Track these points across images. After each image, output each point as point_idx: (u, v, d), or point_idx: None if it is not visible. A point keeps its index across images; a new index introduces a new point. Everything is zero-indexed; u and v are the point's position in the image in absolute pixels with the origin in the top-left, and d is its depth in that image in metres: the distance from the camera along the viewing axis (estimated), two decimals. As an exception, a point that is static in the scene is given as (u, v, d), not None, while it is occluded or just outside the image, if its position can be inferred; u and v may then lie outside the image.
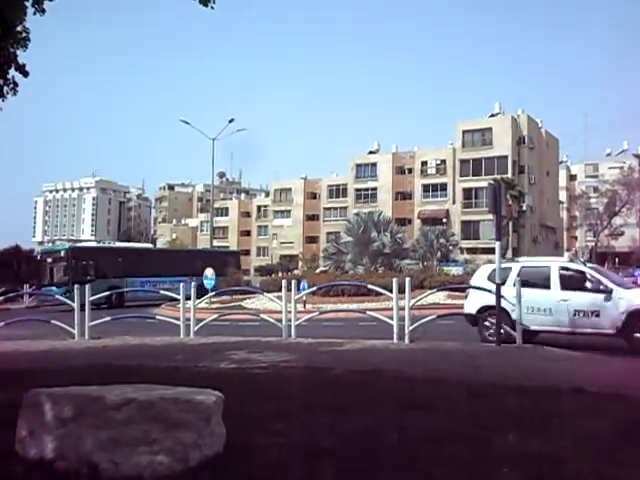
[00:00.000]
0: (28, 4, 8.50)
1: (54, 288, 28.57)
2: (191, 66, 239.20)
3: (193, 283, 15.80)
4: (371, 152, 78.03)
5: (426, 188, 70.32)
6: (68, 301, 15.95)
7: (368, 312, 15.12)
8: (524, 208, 63.02)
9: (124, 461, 3.92)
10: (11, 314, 20.50)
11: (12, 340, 14.86)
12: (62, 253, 33.25)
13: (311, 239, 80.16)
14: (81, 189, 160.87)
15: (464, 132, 66.77)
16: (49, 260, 33.47)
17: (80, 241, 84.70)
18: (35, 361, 10.65)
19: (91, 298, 15.32)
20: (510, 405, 5.84)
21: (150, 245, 51.38)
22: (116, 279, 30.48)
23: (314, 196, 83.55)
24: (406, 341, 12.31)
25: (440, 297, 23.23)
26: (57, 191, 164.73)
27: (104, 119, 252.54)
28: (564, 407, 5.77)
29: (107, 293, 21.24)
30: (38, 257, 35.44)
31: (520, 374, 7.96)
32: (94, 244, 43.27)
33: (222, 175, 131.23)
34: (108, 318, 16.21)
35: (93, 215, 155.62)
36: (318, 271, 40.88)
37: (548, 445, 4.45)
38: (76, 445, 4.06)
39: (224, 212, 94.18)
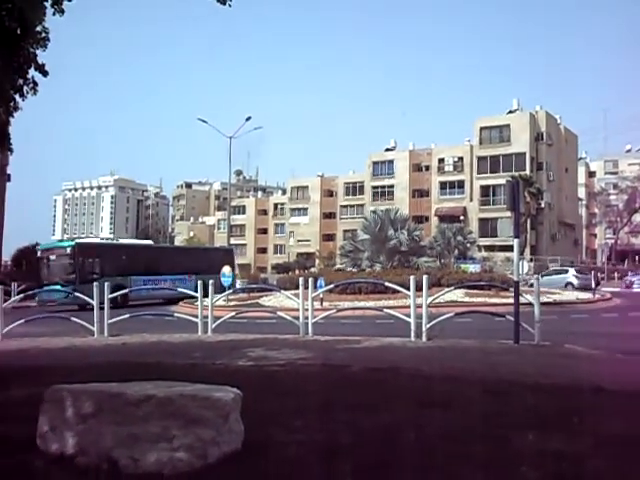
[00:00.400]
0: (47, 4, 8.60)
1: (58, 287, 27.22)
2: (207, 65, 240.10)
3: (211, 281, 15.84)
4: (388, 149, 77.79)
5: (443, 185, 69.99)
6: (88, 299, 16.03)
7: (385, 310, 15.09)
8: (542, 205, 62.51)
9: (144, 457, 3.96)
10: (31, 312, 20.72)
11: (32, 337, 15.04)
12: (67, 249, 31.12)
13: (328, 237, 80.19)
14: (100, 188, 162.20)
15: (482, 129, 66.37)
16: (52, 257, 31.28)
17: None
18: (55, 358, 10.78)
19: (110, 296, 15.48)
20: (528, 403, 5.81)
21: (150, 242, 49.46)
22: (120, 277, 28.22)
23: (331, 194, 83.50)
24: (423, 339, 12.28)
25: (458, 295, 23.11)
26: (76, 190, 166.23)
27: (122, 118, 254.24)
28: (583, 406, 5.72)
29: (126, 291, 21.35)
30: (38, 254, 32.56)
31: (538, 372, 7.90)
32: (98, 240, 41.99)
33: (239, 173, 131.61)
34: (127, 315, 16.36)
35: (112, 213, 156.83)
36: (335, 269, 40.89)
37: (567, 444, 4.41)
38: (96, 441, 4.11)
39: (241, 210, 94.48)
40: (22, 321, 15.66)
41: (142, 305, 26.36)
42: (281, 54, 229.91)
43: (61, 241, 42.20)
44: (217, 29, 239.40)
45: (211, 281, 15.70)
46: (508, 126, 64.85)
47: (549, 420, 5.13)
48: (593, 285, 31.75)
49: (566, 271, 40.71)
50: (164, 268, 33.43)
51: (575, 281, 37.94)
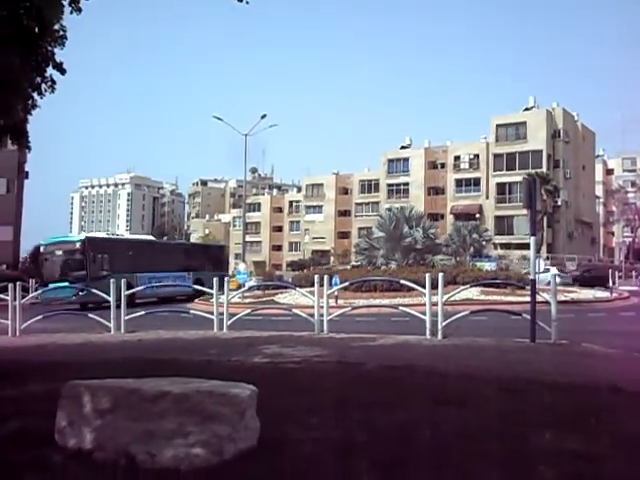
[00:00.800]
0: (65, 2, 8.65)
1: (65, 284, 25.89)
2: (224, 63, 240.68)
3: (227, 278, 15.89)
4: (403, 147, 77.55)
5: (459, 183, 69.67)
6: (105, 295, 16.13)
7: (400, 307, 15.07)
8: (559, 203, 62.05)
9: (160, 453, 3.98)
10: (48, 308, 20.91)
11: (49, 333, 15.17)
12: (77, 244, 28.84)
13: (343, 234, 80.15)
14: (116, 185, 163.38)
15: (498, 126, 65.95)
16: (58, 253, 28.94)
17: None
18: (72, 354, 10.87)
19: (127, 292, 15.58)
20: (545, 402, 5.76)
21: (152, 237, 46.98)
22: (128, 274, 25.32)
23: (346, 191, 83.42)
24: (439, 337, 12.24)
25: (473, 293, 23.02)
26: (93, 187, 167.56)
27: (138, 116, 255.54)
28: (601, 405, 5.67)
29: (140, 288, 21.29)
30: (41, 249, 30.15)
31: (555, 371, 7.84)
32: (106, 235, 39.40)
33: (254, 171, 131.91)
34: (142, 312, 16.48)
35: (128, 211, 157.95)
36: (350, 266, 40.87)
37: (584, 444, 4.37)
38: (113, 436, 4.14)
39: (256, 207, 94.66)
40: (40, 317, 15.81)
41: (147, 304, 26.07)
42: (296, 51, 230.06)
43: (67, 236, 39.30)
44: (232, 27, 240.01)
45: (226, 278, 15.74)
46: (524, 123, 64.39)
47: (566, 419, 5.09)
48: (610, 284, 31.63)
49: (548, 270, 40.62)
50: (165, 265, 32.04)
51: (558, 279, 37.83)
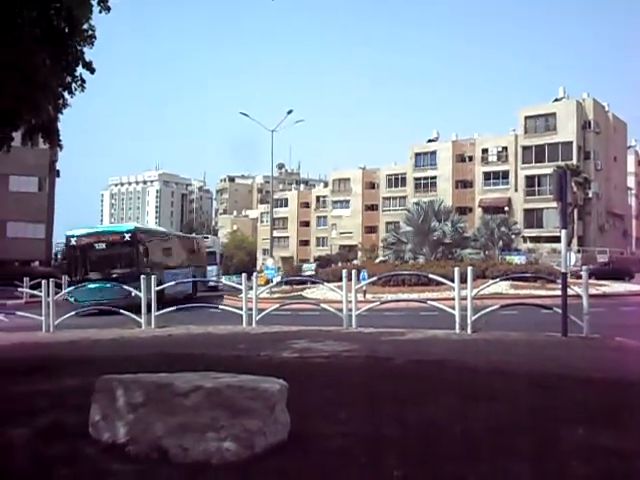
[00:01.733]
0: (94, 2, 8.75)
1: (109, 284, 21.16)
2: (250, 59, 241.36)
3: (255, 274, 15.95)
4: (430, 140, 77.03)
5: (487, 176, 68.99)
6: (133, 292, 16.27)
7: (429, 302, 14.99)
8: (590, 195, 61.09)
9: (192, 447, 4.02)
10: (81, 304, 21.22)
11: (82, 329, 15.41)
12: (126, 235, 24.81)
13: (370, 229, 79.96)
14: (145, 182, 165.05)
15: (526, 118, 65.10)
16: (99, 246, 24.60)
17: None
18: (105, 349, 11.04)
19: (159, 288, 15.69)
20: (577, 397, 5.68)
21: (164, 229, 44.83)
22: (158, 271, 23.02)
23: (373, 186, 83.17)
24: (468, 331, 12.16)
25: (503, 287, 22.76)
26: (122, 184, 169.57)
27: (165, 114, 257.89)
28: (635, 401, 5.58)
29: (172, 284, 19.85)
30: (74, 241, 24.86)
31: (588, 366, 7.73)
32: (150, 227, 36.51)
33: (281, 166, 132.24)
34: (173, 308, 16.65)
35: (157, 207, 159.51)
36: (377, 261, 40.77)
37: (618, 440, 4.30)
38: (146, 430, 4.19)
39: (283, 203, 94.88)
40: (73, 313, 16.06)
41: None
42: (321, 45, 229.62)
43: (111, 225, 37.63)
44: (257, 21, 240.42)
45: (255, 273, 15.78)
46: (554, 114, 63.46)
47: (599, 415, 5.02)
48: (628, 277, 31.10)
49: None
50: (181, 260, 30.54)
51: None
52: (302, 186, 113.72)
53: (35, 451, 4.29)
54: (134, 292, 16.35)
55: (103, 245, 24.65)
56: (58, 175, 50.11)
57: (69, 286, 20.39)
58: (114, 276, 22.77)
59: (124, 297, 18.58)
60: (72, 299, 21.26)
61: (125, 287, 17.72)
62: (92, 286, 21.19)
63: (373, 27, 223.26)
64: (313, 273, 34.50)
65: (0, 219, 43.41)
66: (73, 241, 24.84)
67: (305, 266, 33.03)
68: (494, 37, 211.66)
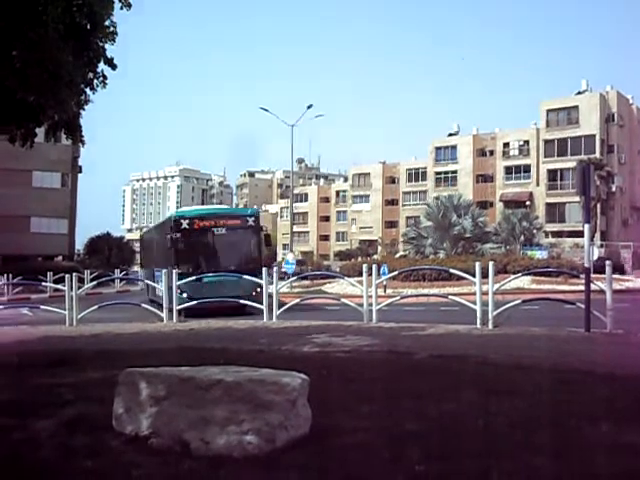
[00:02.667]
0: (115, -1, 8.83)
1: (234, 277, 17.75)
2: (269, 54, 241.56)
3: (275, 268, 15.93)
4: (451, 134, 76.49)
5: (508, 170, 68.36)
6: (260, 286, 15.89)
7: (450, 297, 14.91)
8: (613, 189, 60.28)
9: (214, 440, 4.05)
10: (103, 298, 21.47)
11: (105, 323, 15.57)
12: (250, 220, 20.75)
13: (390, 224, 79.70)
14: (166, 177, 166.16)
15: (548, 111, 64.33)
16: (219, 230, 20.10)
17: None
18: (127, 342, 11.14)
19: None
20: (601, 394, 5.61)
21: None
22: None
23: (393, 180, 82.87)
24: (489, 326, 12.09)
25: (524, 282, 22.65)
26: (143, 180, 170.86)
27: (186, 110, 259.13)
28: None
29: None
30: (186, 224, 19.82)
31: (611, 361, 7.64)
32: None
33: (301, 161, 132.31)
34: (194, 302, 16.77)
35: (178, 202, 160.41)
36: (397, 256, 40.70)
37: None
38: (169, 423, 4.22)
39: (303, 198, 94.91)
40: (96, 307, 16.23)
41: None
42: (341, 40, 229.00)
43: (237, 208, 34.01)
44: (278, 15, 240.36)
45: (275, 268, 15.79)
46: (576, 108, 62.63)
47: (623, 411, 4.95)
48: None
49: None
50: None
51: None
52: (322, 181, 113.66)
53: (60, 443, 4.35)
54: (259, 287, 15.73)
55: (223, 230, 20.15)
56: (80, 171, 50.66)
57: (180, 278, 16.53)
58: (233, 268, 18.99)
59: (251, 293, 17.15)
60: (183, 295, 17.39)
61: (255, 280, 16.17)
62: (211, 279, 17.76)
63: (392, 19, 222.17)
64: (291, 267, 31.23)
65: (24, 215, 43.98)
66: (185, 223, 19.77)
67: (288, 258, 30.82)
68: (516, 29, 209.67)
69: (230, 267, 18.85)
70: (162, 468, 3.84)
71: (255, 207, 29.91)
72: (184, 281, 16.78)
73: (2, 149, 34.72)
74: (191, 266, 18.95)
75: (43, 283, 26.95)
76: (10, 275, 30.52)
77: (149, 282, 22.87)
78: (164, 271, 17.49)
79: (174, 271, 16.66)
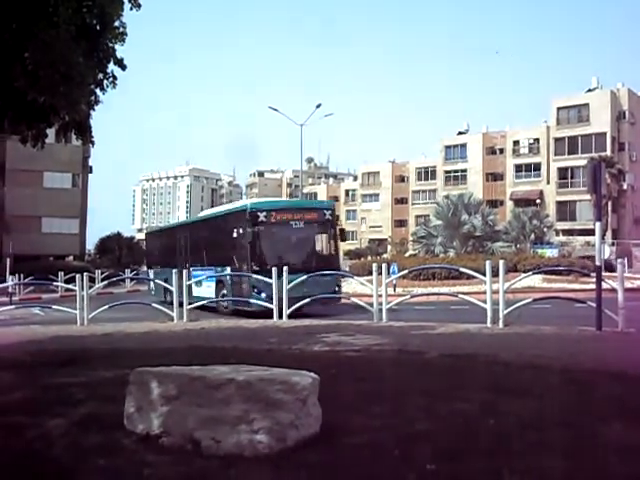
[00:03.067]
0: (125, -1, 8.85)
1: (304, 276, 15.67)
2: (278, 53, 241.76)
3: (285, 268, 15.82)
4: (460, 133, 76.26)
5: (518, 168, 68.05)
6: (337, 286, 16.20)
7: (460, 295, 14.87)
8: (624, 187, 59.88)
9: (225, 439, 4.06)
10: (114, 298, 21.55)
11: (115, 322, 15.64)
12: (327, 213, 19.12)
13: (400, 222, 79.55)
14: (175, 177, 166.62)
15: (559, 109, 63.95)
16: (297, 224, 18.32)
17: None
18: (138, 342, 11.18)
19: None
20: (613, 393, 5.58)
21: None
22: None
23: (402, 179, 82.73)
24: (500, 325, 12.04)
25: (535, 280, 22.55)
26: (153, 180, 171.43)
27: (195, 110, 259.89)
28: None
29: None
30: (263, 216, 17.78)
31: (623, 360, 7.58)
32: None
33: (310, 160, 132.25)
34: (204, 302, 16.84)
35: (187, 202, 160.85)
36: (407, 255, 40.63)
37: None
38: (180, 422, 4.24)
39: (313, 197, 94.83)
40: (107, 307, 16.30)
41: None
42: (351, 38, 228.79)
43: (313, 202, 30.51)
44: (285, 17, 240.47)
45: (285, 267, 15.70)
46: (587, 105, 62.24)
47: (636, 411, 4.92)
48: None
49: None
50: None
51: None
52: (331, 180, 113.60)
53: (72, 441, 4.38)
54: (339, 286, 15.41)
55: (300, 224, 18.40)
56: (91, 171, 50.92)
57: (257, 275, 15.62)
58: (312, 265, 17.51)
59: (333, 291, 16.49)
60: (262, 295, 16.33)
61: (334, 278, 15.52)
62: (292, 277, 15.43)
63: (401, 17, 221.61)
64: None
65: (35, 215, 44.27)
66: (262, 216, 17.70)
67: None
68: (526, 27, 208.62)
69: (308, 264, 17.38)
70: (173, 467, 3.86)
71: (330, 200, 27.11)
72: (260, 279, 15.86)
73: (14, 150, 35.29)
74: (268, 263, 16.87)
75: (54, 283, 27.11)
76: (22, 275, 30.69)
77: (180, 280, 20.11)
78: (227, 269, 17.70)
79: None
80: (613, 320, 11.19)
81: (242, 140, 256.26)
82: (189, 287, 16.83)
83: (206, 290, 19.43)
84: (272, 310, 15.13)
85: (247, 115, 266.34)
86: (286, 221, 18.19)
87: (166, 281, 18.39)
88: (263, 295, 16.19)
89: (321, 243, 19.29)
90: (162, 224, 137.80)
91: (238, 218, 18.51)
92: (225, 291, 18.91)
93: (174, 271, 16.92)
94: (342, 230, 20.18)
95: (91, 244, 53.98)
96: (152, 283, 24.52)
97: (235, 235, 18.28)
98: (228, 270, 18.13)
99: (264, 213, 17.76)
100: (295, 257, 17.94)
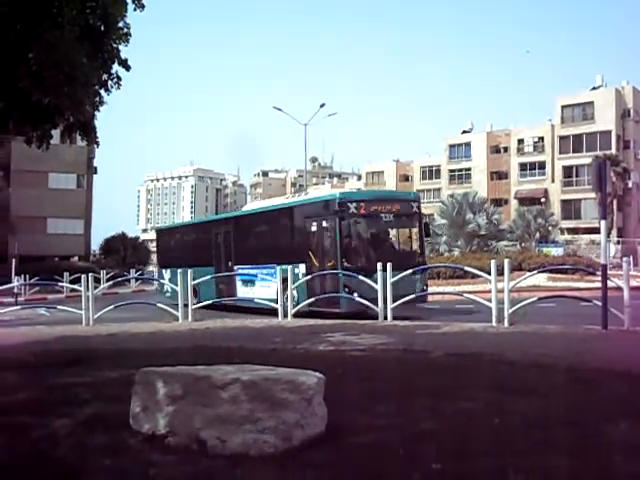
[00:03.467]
0: (129, 0, 8.86)
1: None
2: (282, 53, 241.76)
3: (290, 267, 15.78)
4: (465, 132, 76.15)
5: (523, 167, 67.91)
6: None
7: (465, 294, 14.84)
8: (630, 185, 59.68)
9: (230, 439, 4.07)
10: (119, 298, 21.58)
11: (121, 322, 15.66)
12: (414, 205, 17.51)
13: (404, 222, 79.33)
14: (180, 178, 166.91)
15: (563, 107, 63.81)
16: (386, 217, 16.76)
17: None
18: (143, 342, 11.19)
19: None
20: (619, 392, 5.55)
21: None
22: None
23: (407, 178, 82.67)
24: (505, 324, 12.01)
25: (540, 279, 22.46)
26: (158, 180, 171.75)
27: (198, 110, 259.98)
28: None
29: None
30: (353, 207, 16.09)
31: (629, 359, 7.56)
32: None
33: (314, 160, 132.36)
34: (210, 301, 16.87)
35: (192, 202, 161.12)
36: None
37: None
38: (185, 422, 4.25)
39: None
40: (112, 307, 16.33)
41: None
42: (355, 38, 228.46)
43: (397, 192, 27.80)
44: (289, 17, 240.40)
45: (290, 267, 15.70)
46: (592, 103, 62.06)
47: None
48: None
49: None
50: None
51: None
52: (335, 179, 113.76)
53: (78, 441, 4.39)
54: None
55: (390, 217, 16.80)
56: (95, 172, 51.01)
57: (356, 272, 14.34)
58: (402, 261, 15.82)
59: (422, 290, 15.52)
60: (354, 295, 14.85)
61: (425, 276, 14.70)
62: (385, 275, 13.99)
63: (404, 16, 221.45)
64: None
65: (40, 216, 44.38)
66: (353, 207, 16.03)
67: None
68: (531, 25, 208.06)
69: (399, 260, 15.40)
70: (179, 467, 3.86)
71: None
72: (353, 277, 14.53)
73: (19, 151, 35.36)
74: (359, 260, 15.83)
75: (60, 283, 27.16)
76: (27, 275, 30.78)
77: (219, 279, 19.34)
78: (301, 266, 16.23)
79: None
80: (619, 319, 11.14)
81: (246, 140, 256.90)
82: (232, 287, 16.38)
83: (261, 291, 17.81)
84: (371, 311, 14.14)
85: (251, 115, 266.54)
86: (376, 213, 16.49)
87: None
88: (355, 295, 14.78)
89: (410, 238, 17.78)
90: (167, 224, 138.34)
91: (321, 209, 16.79)
92: (296, 292, 16.18)
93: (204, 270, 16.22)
94: (427, 225, 18.78)
95: (96, 244, 54.07)
96: (165, 283, 22.31)
97: (314, 228, 16.74)
98: (302, 268, 16.48)
99: (354, 204, 16.09)
100: (386, 253, 16.07)
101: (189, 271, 16.67)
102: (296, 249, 17.23)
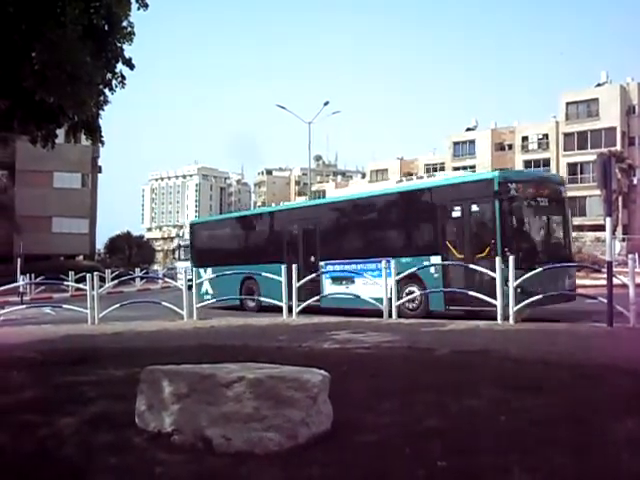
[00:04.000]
0: (132, -1, 8.87)
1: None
2: (284, 51, 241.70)
3: (295, 265, 15.82)
4: (469, 129, 76.02)
5: (527, 164, 67.71)
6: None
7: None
8: (635, 182, 59.51)
9: (236, 437, 4.07)
10: (124, 297, 21.62)
11: (125, 321, 15.69)
12: (562, 190, 15.95)
13: (409, 219, 79.25)
14: (184, 176, 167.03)
15: (568, 104, 63.61)
16: (543, 202, 14.63)
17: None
18: (148, 340, 11.20)
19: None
20: (625, 389, 5.54)
21: None
22: None
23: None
24: (511, 321, 11.99)
25: (545, 277, 22.34)
26: (162, 179, 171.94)
27: (202, 109, 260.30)
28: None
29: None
30: (514, 189, 13.82)
31: (635, 357, 7.53)
32: None
33: (318, 158, 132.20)
34: (213, 300, 16.88)
35: (196, 201, 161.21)
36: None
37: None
38: (191, 420, 4.25)
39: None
40: (117, 306, 16.36)
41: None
42: (359, 36, 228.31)
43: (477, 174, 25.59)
44: (292, 15, 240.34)
45: (294, 265, 15.71)
46: (596, 100, 61.86)
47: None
48: None
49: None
50: None
51: None
52: (339, 177, 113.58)
53: (83, 440, 4.40)
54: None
55: (546, 202, 14.69)
56: (100, 171, 51.13)
57: (522, 270, 12.19)
58: (560, 252, 14.62)
59: (572, 288, 14.15)
60: (528, 294, 12.36)
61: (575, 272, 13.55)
62: (551, 269, 12.82)
63: (408, 16, 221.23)
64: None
65: (45, 215, 44.53)
66: (513, 189, 13.77)
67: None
68: (535, 22, 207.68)
69: (552, 253, 14.21)
70: (185, 465, 3.87)
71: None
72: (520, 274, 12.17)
73: (23, 151, 35.46)
74: (522, 250, 13.48)
75: (65, 282, 27.23)
76: (32, 275, 30.87)
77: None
78: (432, 258, 14.36)
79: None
80: (624, 316, 11.12)
81: (249, 139, 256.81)
82: (317, 285, 15.47)
83: (364, 289, 15.67)
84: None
85: (254, 114, 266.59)
86: (535, 197, 14.37)
87: (247, 280, 17.91)
88: (519, 291, 12.33)
89: (562, 226, 15.41)
90: (172, 224, 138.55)
91: (472, 191, 14.43)
92: (429, 286, 14.46)
93: (283, 267, 15.02)
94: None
95: (101, 243, 54.28)
96: (208, 284, 19.86)
97: (456, 214, 14.40)
98: (438, 259, 14.43)
99: (514, 185, 13.81)
100: (543, 243, 14.83)
101: (292, 267, 15.30)
102: (426, 239, 15.32)
